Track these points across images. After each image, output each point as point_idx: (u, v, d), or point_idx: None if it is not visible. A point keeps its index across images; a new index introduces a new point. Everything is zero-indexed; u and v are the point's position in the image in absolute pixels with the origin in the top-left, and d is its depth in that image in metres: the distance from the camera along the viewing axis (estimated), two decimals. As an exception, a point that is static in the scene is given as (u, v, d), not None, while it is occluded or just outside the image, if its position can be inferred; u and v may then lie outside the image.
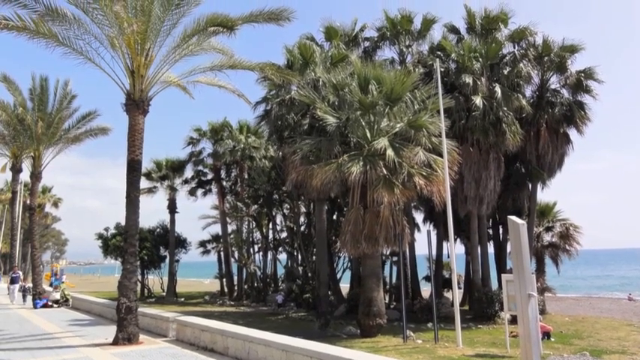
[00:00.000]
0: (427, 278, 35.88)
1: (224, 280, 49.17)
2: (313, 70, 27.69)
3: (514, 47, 31.31)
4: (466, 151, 27.45)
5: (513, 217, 12.56)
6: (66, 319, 24.23)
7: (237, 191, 46.90)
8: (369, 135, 22.87)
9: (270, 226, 47.17)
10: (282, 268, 46.43)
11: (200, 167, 49.22)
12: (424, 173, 21.97)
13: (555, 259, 35.86)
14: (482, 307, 28.83)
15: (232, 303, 42.18)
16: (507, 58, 30.46)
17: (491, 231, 36.03)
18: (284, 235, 45.75)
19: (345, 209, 31.80)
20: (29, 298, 32.44)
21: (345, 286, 39.53)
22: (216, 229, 51.36)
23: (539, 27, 31.33)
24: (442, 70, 26.79)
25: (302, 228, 41.27)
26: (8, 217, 57.29)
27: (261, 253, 48.66)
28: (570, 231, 35.75)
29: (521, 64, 29.81)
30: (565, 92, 32.07)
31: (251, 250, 48.16)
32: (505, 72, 29.67)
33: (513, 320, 20.87)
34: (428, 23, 32.45)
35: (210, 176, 49.74)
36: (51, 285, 33.89)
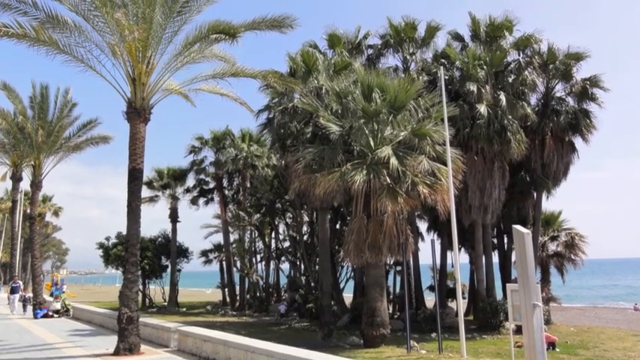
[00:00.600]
0: (431, 288, 35.67)
1: (226, 289, 48.78)
2: (316, 77, 27.52)
3: (519, 55, 31.18)
4: (470, 160, 27.31)
5: (518, 227, 12.38)
6: (67, 330, 24.17)
7: (240, 200, 46.70)
8: (372, 143, 22.69)
9: (273, 235, 46.91)
10: (284, 278, 46.15)
11: (202, 176, 48.99)
12: (428, 182, 21.80)
13: (560, 268, 35.62)
14: (486, 317, 28.56)
15: (234, 313, 41.92)
16: (512, 65, 30.32)
17: (495, 240, 35.77)
18: (287, 244, 45.48)
19: (348, 218, 31.62)
20: (29, 308, 32.34)
21: (348, 296, 39.30)
22: (218, 238, 51.17)
23: (545, 34, 31.26)
24: (446, 77, 26.70)
25: (305, 237, 41.06)
26: (8, 226, 57.21)
27: (263, 262, 48.34)
28: (576, 240, 35.46)
29: (526, 72, 29.67)
30: (570, 100, 31.94)
31: (253, 259, 47.87)
32: (510, 80, 29.51)
33: (518, 330, 20.70)
34: (432, 31, 32.30)
35: (212, 185, 49.49)
36: (51, 295, 33.77)
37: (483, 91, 28.30)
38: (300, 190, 24.33)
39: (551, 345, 22.31)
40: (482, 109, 27.63)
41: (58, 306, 31.61)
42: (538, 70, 30.60)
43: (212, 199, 49.83)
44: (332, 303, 31.54)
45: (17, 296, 34.30)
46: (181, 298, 50.08)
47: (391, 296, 37.62)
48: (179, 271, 48.57)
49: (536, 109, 31.25)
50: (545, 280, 34.46)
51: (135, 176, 17.20)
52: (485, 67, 29.06)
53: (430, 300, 35.86)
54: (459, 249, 30.20)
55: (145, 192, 44.94)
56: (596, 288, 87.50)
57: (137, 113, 17.33)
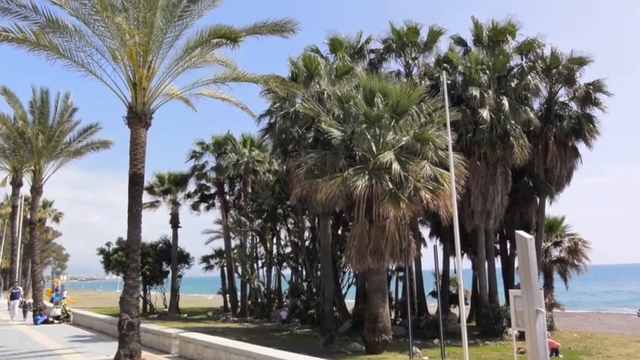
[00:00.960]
0: (433, 294, 35.46)
1: (227, 295, 48.69)
2: (318, 82, 27.49)
3: (522, 59, 31.09)
4: (473, 165, 27.19)
5: (521, 232, 12.25)
6: (67, 336, 24.09)
7: (241, 205, 46.60)
8: (374, 148, 22.65)
9: (274, 240, 46.85)
10: (286, 284, 46.03)
11: (203, 181, 48.90)
12: (430, 187, 21.73)
13: (563, 274, 35.42)
14: (489, 323, 28.43)
15: (236, 319, 41.77)
16: (515, 70, 30.21)
17: (498, 246, 35.66)
18: (288, 250, 45.44)
19: (350, 224, 31.53)
20: (30, 314, 32.18)
21: (350, 302, 39.20)
22: (220, 244, 51.07)
23: (548, 39, 31.20)
24: (449, 82, 26.55)
25: (306, 243, 40.94)
26: (8, 231, 56.92)
27: (265, 268, 48.30)
28: (579, 246, 35.28)
29: (529, 77, 29.62)
30: (573, 105, 31.86)
31: (255, 265, 47.79)
32: (513, 84, 29.41)
33: (521, 336, 20.50)
34: (434, 35, 32.27)
35: (213, 190, 49.41)
36: (52, 301, 33.60)
37: (486, 95, 28.20)
38: (301, 195, 24.25)
39: (555, 351, 22.22)
40: (485, 114, 27.51)
41: (58, 312, 31.48)
42: (541, 74, 30.52)
43: (213, 205, 49.75)
44: (334, 309, 31.44)
45: (17, 302, 34.18)
46: (182, 304, 49.91)
47: (393, 302, 37.51)
48: (180, 276, 48.41)
49: (539, 113, 31.12)
50: (548, 286, 34.28)
51: (135, 181, 17.07)
52: (487, 71, 28.96)
53: (432, 306, 35.79)
54: (462, 255, 30.13)
55: (146, 197, 44.90)
56: (599, 294, 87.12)
57: (138, 118, 17.21)
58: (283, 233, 45.71)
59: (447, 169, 21.14)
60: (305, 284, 41.02)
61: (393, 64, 33.64)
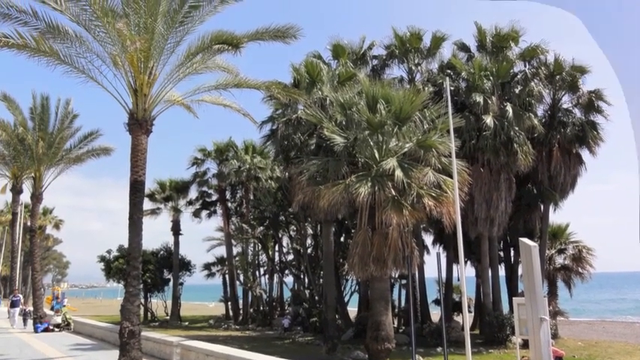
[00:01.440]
0: (437, 302, 35.31)
1: (229, 303, 48.53)
2: (320, 88, 27.39)
3: (525, 66, 31.04)
4: (477, 172, 27.03)
5: (525, 239, 12.19)
6: (67, 344, 24.05)
7: (243, 213, 46.48)
8: (377, 155, 22.48)
9: (276, 248, 46.69)
10: (288, 292, 45.87)
11: (205, 188, 48.81)
12: (434, 194, 21.52)
13: (568, 282, 35.19)
14: (493, 331, 28.23)
15: (237, 327, 41.59)
16: (518, 76, 30.11)
17: (502, 253, 35.43)
18: (290, 257, 45.26)
19: (352, 231, 31.35)
20: (30, 322, 32.13)
21: (352, 310, 39.02)
22: (221, 251, 50.84)
23: (551, 45, 31.06)
24: (452, 88, 26.46)
25: (309, 250, 40.76)
26: (8, 239, 56.82)
27: (267, 275, 48.07)
28: (583, 253, 35.04)
29: (533, 83, 29.47)
30: (577, 112, 31.78)
31: (257, 272, 47.65)
32: (516, 91, 29.27)
33: (525, 345, 20.25)
34: (437, 41, 32.14)
35: (214, 197, 49.31)
36: (52, 308, 33.53)
37: (489, 102, 28.06)
38: (304, 202, 24.13)
39: (559, 359, 22.00)
40: (489, 120, 27.39)
41: (58, 320, 31.40)
42: (544, 81, 30.40)
43: (215, 212, 49.64)
44: (336, 317, 31.29)
45: (17, 310, 34.12)
46: (184, 312, 49.73)
47: (396, 310, 37.32)
48: (181, 284, 48.29)
49: (543, 120, 31.06)
50: (552, 294, 34.08)
51: (136, 188, 16.97)
52: (491, 77, 28.85)
53: (436, 314, 35.55)
54: (465, 262, 29.86)
55: (147, 204, 44.72)
56: (603, 302, 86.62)
57: (139, 125, 17.13)
58: (285, 240, 45.68)
59: (451, 175, 21.00)
60: (307, 292, 40.86)
61: (396, 71, 33.65)
